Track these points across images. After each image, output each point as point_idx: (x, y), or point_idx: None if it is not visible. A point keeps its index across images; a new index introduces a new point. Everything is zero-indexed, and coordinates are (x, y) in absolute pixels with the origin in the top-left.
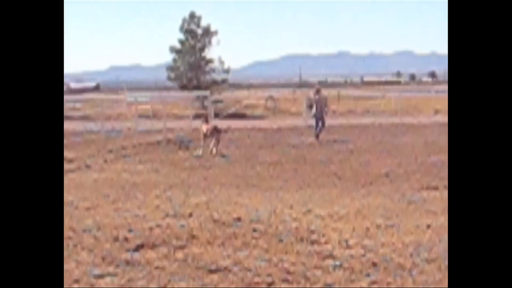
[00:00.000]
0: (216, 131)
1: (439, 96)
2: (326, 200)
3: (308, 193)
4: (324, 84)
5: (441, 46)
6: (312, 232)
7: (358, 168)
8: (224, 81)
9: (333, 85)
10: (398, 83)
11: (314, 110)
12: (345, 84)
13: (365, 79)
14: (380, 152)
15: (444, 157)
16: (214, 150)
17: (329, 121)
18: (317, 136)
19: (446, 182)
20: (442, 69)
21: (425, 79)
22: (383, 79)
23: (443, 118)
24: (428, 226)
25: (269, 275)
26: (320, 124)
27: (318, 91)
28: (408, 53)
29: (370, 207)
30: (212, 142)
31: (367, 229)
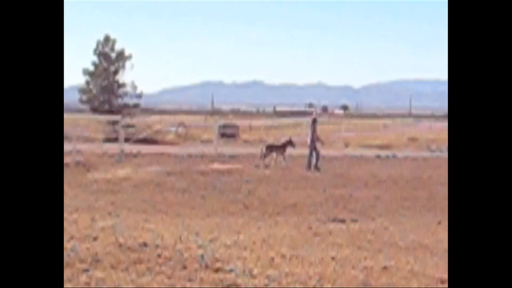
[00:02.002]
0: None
1: (350, 129)
2: (233, 229)
3: (215, 221)
4: (236, 112)
5: (354, 80)
6: (217, 260)
7: (266, 198)
8: (136, 105)
9: (246, 114)
10: (310, 114)
11: (309, 140)
12: (258, 114)
13: (278, 109)
14: (288, 183)
15: (352, 190)
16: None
17: (240, 150)
18: (316, 166)
19: (352, 215)
20: (354, 102)
21: (337, 111)
22: (295, 109)
23: (353, 151)
24: (333, 258)
25: None
26: (314, 154)
27: (314, 121)
28: (321, 85)
29: (277, 237)
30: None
31: (272, 259)
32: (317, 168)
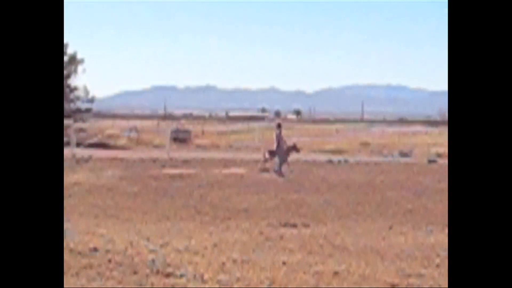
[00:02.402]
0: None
1: (302, 133)
2: (184, 234)
3: (166, 225)
4: (189, 117)
5: (306, 85)
6: (168, 264)
7: (218, 203)
8: (88, 110)
9: (198, 118)
10: (263, 118)
11: (275, 145)
12: (210, 118)
13: (230, 113)
14: (240, 188)
15: (304, 195)
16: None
17: (193, 155)
18: (277, 171)
19: (304, 220)
20: (307, 107)
21: (290, 116)
22: (248, 114)
23: (305, 156)
24: (284, 263)
25: None
26: (278, 159)
27: (279, 126)
28: (274, 90)
29: (228, 242)
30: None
31: (223, 264)
32: (280, 173)
